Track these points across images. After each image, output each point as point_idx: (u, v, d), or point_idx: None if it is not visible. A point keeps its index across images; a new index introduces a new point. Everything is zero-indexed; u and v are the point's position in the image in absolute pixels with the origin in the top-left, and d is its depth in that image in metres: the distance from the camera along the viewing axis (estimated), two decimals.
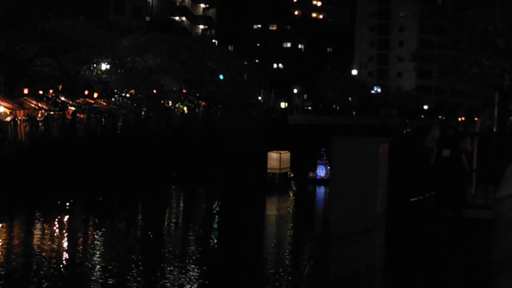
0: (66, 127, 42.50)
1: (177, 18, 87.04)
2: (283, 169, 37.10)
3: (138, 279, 17.45)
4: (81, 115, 45.15)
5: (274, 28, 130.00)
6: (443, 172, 12.40)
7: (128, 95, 51.11)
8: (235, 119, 57.79)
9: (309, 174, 39.61)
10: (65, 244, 22.35)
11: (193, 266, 19.10)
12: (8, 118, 37.31)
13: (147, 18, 76.18)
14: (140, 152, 44.58)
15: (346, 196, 9.57)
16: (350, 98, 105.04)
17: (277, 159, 36.86)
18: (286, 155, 37.91)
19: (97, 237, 23.75)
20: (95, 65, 48.46)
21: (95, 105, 47.71)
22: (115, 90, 50.63)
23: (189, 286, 17.08)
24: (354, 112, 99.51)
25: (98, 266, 18.80)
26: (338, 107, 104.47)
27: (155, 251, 21.01)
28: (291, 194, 36.78)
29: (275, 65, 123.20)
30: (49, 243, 21.91)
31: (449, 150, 12.36)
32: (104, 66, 49.16)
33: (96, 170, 37.87)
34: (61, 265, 18.99)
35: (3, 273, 17.82)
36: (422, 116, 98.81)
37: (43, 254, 20.14)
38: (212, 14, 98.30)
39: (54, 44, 42.50)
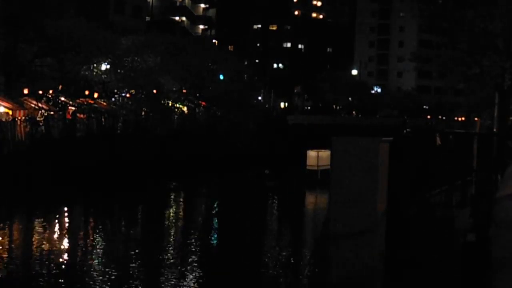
0: (66, 127, 42.43)
1: (177, 18, 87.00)
2: (320, 167, 38.97)
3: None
4: (81, 115, 45.09)
5: (274, 28, 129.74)
6: (469, 263, 9.64)
7: (128, 95, 51.04)
8: (235, 119, 57.67)
9: None
10: (67, 244, 22.33)
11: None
12: (10, 117, 37.30)
13: (147, 18, 76.13)
14: (140, 152, 44.46)
15: (346, 196, 9.56)
16: (350, 98, 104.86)
17: (315, 157, 39.47)
18: (325, 153, 39.36)
19: (98, 237, 23.73)
20: (95, 65, 48.39)
21: (95, 105, 47.65)
22: (115, 90, 50.56)
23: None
24: (354, 112, 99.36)
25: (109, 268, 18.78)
26: (338, 107, 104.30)
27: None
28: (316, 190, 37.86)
29: (275, 65, 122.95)
30: (49, 243, 21.88)
31: (474, 234, 9.59)
32: (104, 66, 49.10)
33: (96, 170, 37.80)
34: (64, 265, 18.98)
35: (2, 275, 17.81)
36: (428, 117, 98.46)
37: (43, 253, 20.13)
38: (212, 14, 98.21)
39: (54, 44, 42.45)
